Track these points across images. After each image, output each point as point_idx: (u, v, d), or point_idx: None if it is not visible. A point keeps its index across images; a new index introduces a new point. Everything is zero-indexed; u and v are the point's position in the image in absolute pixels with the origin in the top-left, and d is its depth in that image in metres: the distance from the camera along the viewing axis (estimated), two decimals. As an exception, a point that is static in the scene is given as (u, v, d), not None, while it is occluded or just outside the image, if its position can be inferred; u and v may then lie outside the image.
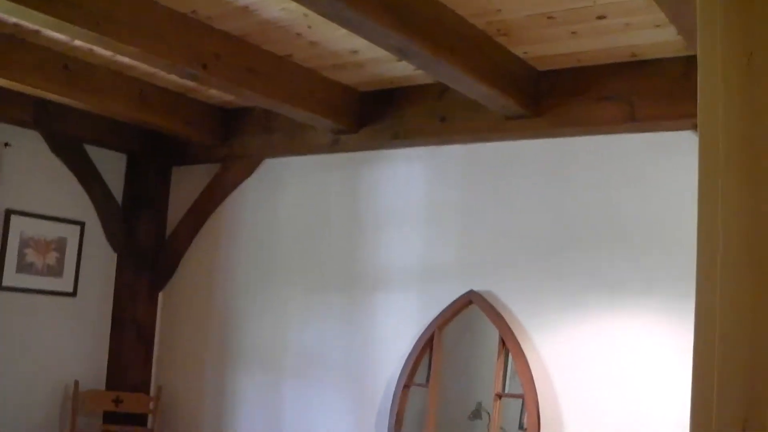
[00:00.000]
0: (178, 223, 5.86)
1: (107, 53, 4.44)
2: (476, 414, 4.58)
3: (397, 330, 4.78)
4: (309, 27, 3.94)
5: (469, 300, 4.55)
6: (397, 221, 4.88)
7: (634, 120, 3.98)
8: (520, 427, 4.38)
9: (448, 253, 4.68)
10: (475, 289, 4.52)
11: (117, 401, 5.61)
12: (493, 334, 4.44)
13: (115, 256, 5.91)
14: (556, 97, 4.20)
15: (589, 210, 4.25)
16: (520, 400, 4.34)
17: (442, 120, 4.56)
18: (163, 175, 5.99)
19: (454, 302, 4.59)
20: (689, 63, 3.78)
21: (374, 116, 4.80)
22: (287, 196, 5.37)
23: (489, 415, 4.44)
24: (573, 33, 3.76)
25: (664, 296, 3.93)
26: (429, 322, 4.65)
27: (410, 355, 4.68)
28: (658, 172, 4.08)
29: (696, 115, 1.31)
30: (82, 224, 5.71)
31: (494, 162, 4.61)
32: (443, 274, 4.67)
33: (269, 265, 5.39)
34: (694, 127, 3.76)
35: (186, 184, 5.89)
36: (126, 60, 4.48)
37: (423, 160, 4.86)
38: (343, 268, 5.03)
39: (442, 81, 4.14)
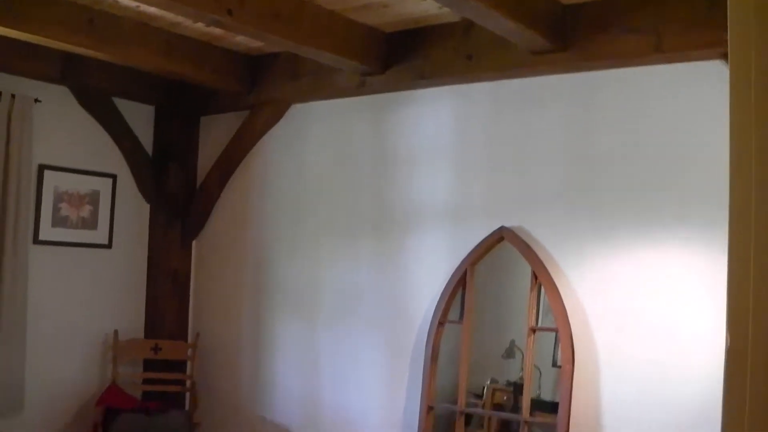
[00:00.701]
0: (208, 173, 5.90)
1: (132, 4, 4.45)
2: (510, 353, 4.63)
3: (429, 268, 4.81)
4: (332, -32, 3.92)
5: (501, 236, 4.57)
6: (425, 161, 4.88)
7: (660, 51, 3.94)
8: (554, 364, 4.42)
9: (478, 190, 4.68)
10: (506, 225, 4.53)
11: (156, 349, 5.72)
12: (526, 270, 4.46)
13: (147, 207, 5.98)
14: (581, 30, 4.16)
15: (618, 142, 4.23)
16: (554, 338, 4.38)
17: (468, 58, 4.54)
18: (191, 125, 6.03)
19: (486, 239, 4.60)
20: (715, -9, 3.73)
21: (400, 57, 4.79)
22: (316, 140, 5.39)
23: (522, 354, 4.48)
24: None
25: (696, 225, 3.93)
26: (461, 260, 4.67)
27: (443, 292, 4.72)
28: (687, 103, 4.05)
29: (724, 43, 1.30)
30: (114, 177, 5.77)
31: (521, 98, 4.59)
32: (474, 212, 4.68)
33: (300, 209, 5.43)
34: (723, 57, 3.72)
35: (214, 133, 5.92)
36: (151, 10, 4.48)
37: (450, 99, 4.85)
38: (374, 209, 5.06)
39: (467, 17, 4.11)
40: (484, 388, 4.77)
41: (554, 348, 4.41)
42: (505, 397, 4.72)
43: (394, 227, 4.97)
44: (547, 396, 4.45)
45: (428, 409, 4.68)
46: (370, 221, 5.08)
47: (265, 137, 5.65)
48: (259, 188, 5.67)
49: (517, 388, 4.52)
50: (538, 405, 4.45)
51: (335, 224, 5.25)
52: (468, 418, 4.78)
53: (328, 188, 5.31)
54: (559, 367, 4.34)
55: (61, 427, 5.50)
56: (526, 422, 4.34)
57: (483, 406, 4.69)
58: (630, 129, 4.19)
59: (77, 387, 5.56)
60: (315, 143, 5.39)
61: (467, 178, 4.74)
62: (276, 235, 5.55)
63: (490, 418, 4.71)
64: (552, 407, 4.32)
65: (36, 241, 5.36)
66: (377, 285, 5.02)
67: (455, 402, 4.62)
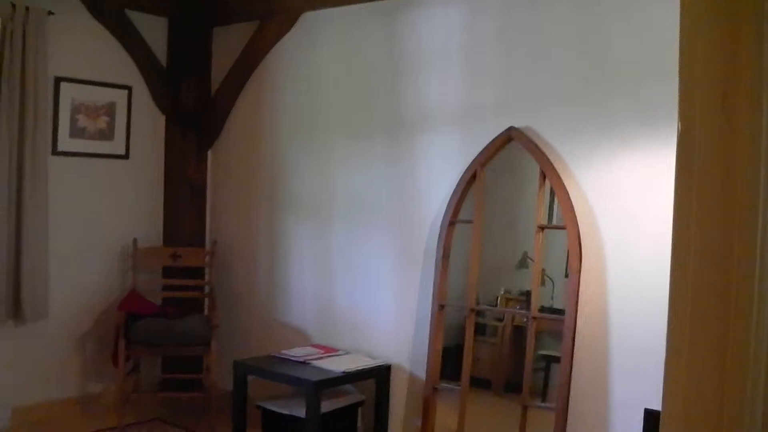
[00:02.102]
0: (221, 83, 5.97)
1: None
2: (522, 263, 4.70)
3: (440, 170, 4.87)
4: None
5: (509, 136, 4.60)
6: (435, 63, 4.90)
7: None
8: (567, 275, 4.48)
9: (487, 91, 4.70)
10: (515, 125, 4.57)
11: (174, 256, 5.86)
12: (535, 170, 4.50)
13: (163, 118, 6.07)
14: None
15: (625, 39, 4.21)
16: (566, 250, 4.41)
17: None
18: (204, 36, 6.07)
19: (495, 139, 4.64)
20: None
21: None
22: (326, 48, 5.42)
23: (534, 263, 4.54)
24: None
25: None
26: (471, 161, 4.72)
27: (454, 193, 4.77)
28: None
29: None
30: (129, 88, 5.85)
31: (528, -3, 4.58)
32: (483, 112, 4.71)
33: (312, 116, 5.49)
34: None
35: (227, 44, 5.97)
36: None
37: (460, 0, 4.85)
38: (385, 114, 5.10)
39: None
40: (497, 297, 4.87)
41: (567, 259, 4.47)
42: (518, 306, 4.83)
43: (405, 130, 5.02)
44: (559, 305, 4.52)
45: (440, 308, 4.79)
46: (381, 125, 5.13)
47: (277, 46, 5.69)
48: (272, 97, 5.73)
49: (530, 297, 4.60)
50: (551, 313, 4.54)
51: (347, 129, 5.31)
52: (482, 329, 4.90)
53: (339, 94, 5.36)
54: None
55: (84, 331, 5.69)
56: (534, 318, 4.43)
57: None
58: (637, 26, 4.17)
59: (99, 294, 5.73)
60: (326, 50, 5.43)
61: (476, 79, 4.76)
62: (289, 143, 5.62)
63: (504, 328, 4.82)
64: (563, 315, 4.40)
65: (54, 152, 5.47)
66: (389, 187, 5.09)
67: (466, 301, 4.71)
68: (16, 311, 5.24)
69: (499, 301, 4.86)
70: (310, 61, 5.50)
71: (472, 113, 4.76)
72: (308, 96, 5.52)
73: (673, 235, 1.29)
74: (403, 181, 5.03)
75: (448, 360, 4.75)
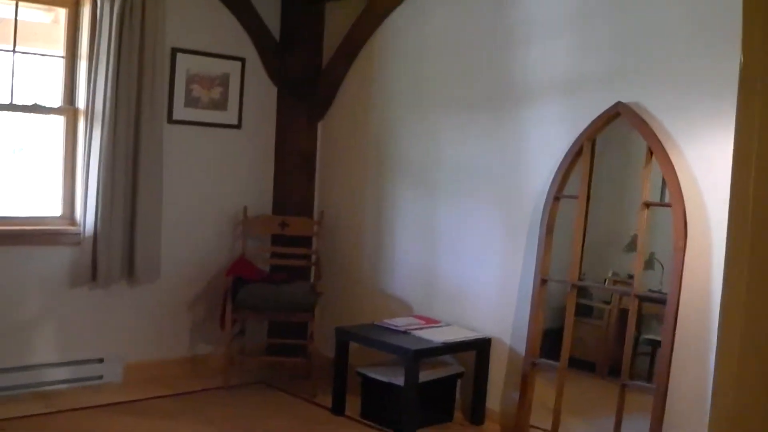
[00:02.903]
0: (332, 56, 6.05)
1: None
2: (630, 246, 4.62)
3: (546, 143, 4.83)
4: None
5: (617, 111, 4.54)
6: (544, 35, 4.85)
7: None
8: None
9: (596, 63, 4.64)
10: (623, 100, 4.50)
11: (283, 225, 5.99)
12: (642, 146, 4.43)
13: (275, 89, 6.20)
14: None
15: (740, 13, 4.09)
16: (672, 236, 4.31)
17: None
18: (316, 9, 6.16)
19: (602, 114, 4.58)
20: None
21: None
22: (435, 20, 5.43)
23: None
24: None
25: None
26: (578, 135, 4.68)
27: (559, 167, 4.73)
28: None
29: None
30: (242, 60, 5.99)
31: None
32: (590, 86, 4.65)
33: (420, 88, 5.52)
34: None
35: (338, 18, 6.05)
36: None
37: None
38: (492, 85, 5.09)
39: None
40: (605, 280, 4.82)
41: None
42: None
43: (512, 102, 4.99)
44: (668, 290, 4.43)
45: (542, 282, 4.78)
46: (488, 97, 5.12)
47: (387, 20, 5.72)
48: (382, 69, 5.78)
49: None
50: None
51: (454, 101, 5.32)
52: (588, 311, 4.86)
53: (447, 66, 5.37)
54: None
55: (194, 295, 5.90)
56: (635, 297, 4.37)
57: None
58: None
59: (209, 259, 5.93)
60: (435, 23, 5.44)
61: (585, 51, 4.70)
62: (397, 114, 5.67)
63: (610, 311, 4.77)
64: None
65: (170, 120, 5.67)
66: (494, 159, 5.08)
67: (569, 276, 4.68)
68: (130, 272, 5.46)
69: (606, 283, 4.81)
70: (419, 33, 5.52)
71: (580, 86, 4.71)
72: (416, 68, 5.55)
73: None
74: (509, 154, 5.01)
75: (554, 341, 4.71)
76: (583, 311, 4.91)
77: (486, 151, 5.13)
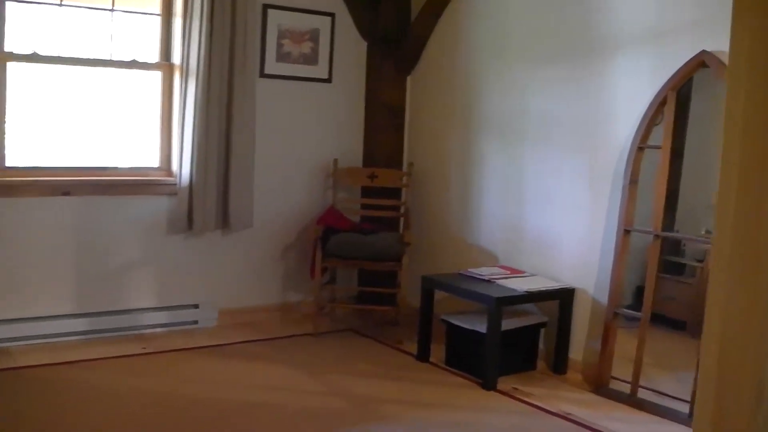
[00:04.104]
0: (421, 9, 6.09)
1: None
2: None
3: (630, 93, 4.79)
4: None
5: (702, 61, 4.47)
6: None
7: None
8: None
9: (680, 11, 4.56)
10: (708, 48, 4.42)
11: (372, 177, 6.10)
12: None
13: (364, 44, 6.29)
14: None
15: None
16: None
17: None
18: (405, -38, 6.21)
19: (686, 63, 4.51)
20: None
21: None
22: (521, -29, 5.43)
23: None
24: None
25: None
26: (662, 85, 4.62)
27: (643, 117, 4.70)
28: None
29: None
30: (332, 15, 6.10)
31: None
32: (675, 34, 4.58)
33: (506, 40, 5.52)
34: None
35: (427, -30, 6.08)
36: None
37: None
38: (576, 36, 5.06)
39: None
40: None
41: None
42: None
43: (596, 53, 4.96)
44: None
45: (625, 233, 4.77)
46: (572, 49, 5.10)
47: (475, -28, 5.75)
48: (469, 22, 5.80)
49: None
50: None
51: (539, 53, 5.31)
52: (680, 268, 4.82)
53: (532, 18, 5.35)
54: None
55: (286, 244, 6.09)
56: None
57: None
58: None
59: (300, 209, 6.10)
60: (521, -26, 5.43)
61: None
62: (484, 67, 5.69)
63: (703, 269, 4.73)
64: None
65: (262, 74, 5.82)
66: (579, 111, 5.06)
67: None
68: (225, 222, 5.66)
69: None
70: (506, -15, 5.52)
71: (664, 35, 4.64)
72: (502, 20, 5.55)
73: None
74: (593, 104, 4.99)
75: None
76: (676, 269, 4.89)
77: (570, 101, 5.12)
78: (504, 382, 4.86)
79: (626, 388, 4.65)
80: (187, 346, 5.29)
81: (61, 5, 5.18)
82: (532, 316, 5.21)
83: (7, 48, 5.01)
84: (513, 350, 5.03)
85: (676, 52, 4.52)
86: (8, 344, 5.04)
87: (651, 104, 4.67)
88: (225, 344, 5.38)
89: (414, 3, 6.19)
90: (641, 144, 4.73)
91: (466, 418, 4.36)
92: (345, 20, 6.17)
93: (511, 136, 5.51)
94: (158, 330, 5.54)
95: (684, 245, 4.98)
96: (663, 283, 4.74)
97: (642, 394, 4.59)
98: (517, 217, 5.47)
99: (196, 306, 5.70)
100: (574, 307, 5.08)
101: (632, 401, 4.59)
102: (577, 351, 5.08)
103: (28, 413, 4.07)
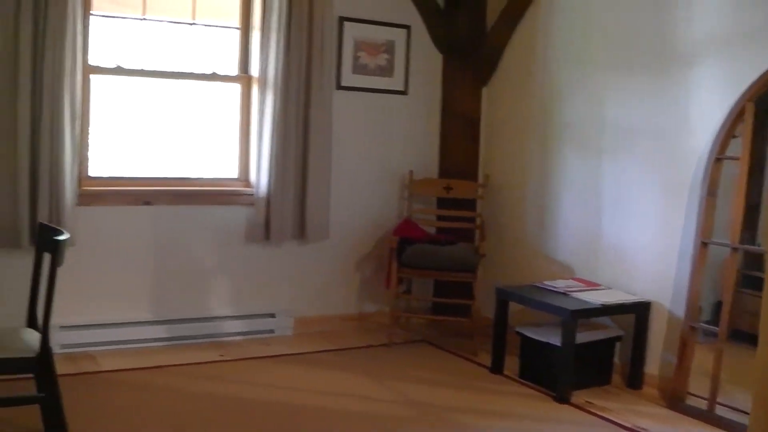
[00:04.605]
0: (496, 20, 6.09)
1: None
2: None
3: (707, 103, 4.71)
4: None
5: (781, 70, 4.39)
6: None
7: None
8: None
9: (757, 21, 4.49)
10: (788, 57, 4.34)
11: (447, 188, 6.12)
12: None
13: (440, 56, 6.31)
14: None
15: None
16: None
17: None
18: (479, -28, 6.22)
19: (764, 74, 4.43)
20: None
21: None
22: (599, -20, 5.39)
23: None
24: None
25: None
26: (740, 95, 4.55)
27: (721, 128, 4.63)
28: None
29: None
30: (408, 27, 6.14)
31: None
32: (752, 45, 4.50)
33: (584, 50, 5.48)
34: None
35: (502, -19, 6.09)
36: None
37: None
38: (655, 46, 4.99)
39: None
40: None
41: None
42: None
43: (674, 63, 4.89)
44: None
45: (702, 245, 4.69)
46: (651, 58, 5.02)
47: (552, -19, 5.73)
48: (546, 32, 5.78)
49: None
50: None
51: (616, 62, 5.26)
52: (760, 283, 4.72)
53: (610, 27, 5.30)
54: None
55: (362, 255, 6.15)
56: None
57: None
58: None
59: (376, 220, 6.16)
60: (598, -16, 5.40)
61: (747, 9, 4.55)
62: (561, 77, 5.66)
63: None
64: None
65: (338, 86, 5.90)
66: (657, 121, 4.99)
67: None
68: (301, 232, 5.74)
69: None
70: (583, -5, 5.49)
71: (742, 45, 4.56)
72: (579, 30, 5.52)
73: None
74: (671, 114, 4.92)
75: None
76: (756, 284, 4.78)
77: (648, 112, 5.05)
78: (578, 396, 4.81)
79: (703, 405, 4.57)
80: (263, 354, 5.37)
81: (143, 19, 5.34)
82: (608, 329, 5.16)
83: (92, 61, 5.18)
84: (587, 364, 4.98)
85: (754, 63, 4.45)
86: (92, 349, 5.20)
87: (729, 115, 4.60)
88: (300, 353, 5.45)
89: (489, 13, 6.19)
90: (719, 155, 4.65)
91: (538, 429, 4.34)
92: (420, 32, 6.21)
93: (588, 146, 5.46)
94: (235, 338, 5.64)
95: (765, 259, 4.87)
96: (743, 298, 4.64)
97: (719, 410, 4.50)
98: (594, 229, 5.41)
99: (272, 315, 5.78)
100: (651, 321, 5.01)
101: (709, 418, 4.50)
102: (653, 365, 5.01)
103: (109, 415, 4.20)
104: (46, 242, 3.66)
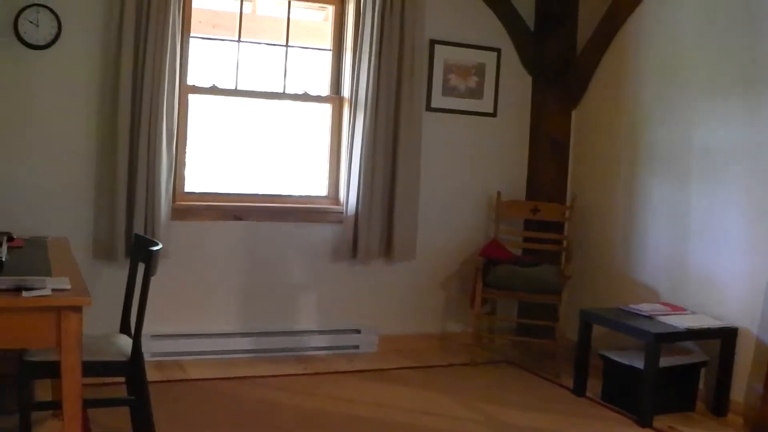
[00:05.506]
0: (586, 43, 6.11)
1: None
2: None
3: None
4: None
5: None
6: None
7: None
8: None
9: None
10: None
11: (534, 210, 6.14)
12: None
13: (529, 78, 6.36)
14: None
15: None
16: None
17: None
18: (569, -3, 6.26)
19: None
20: None
21: None
22: (689, 2, 5.33)
23: None
24: None
25: None
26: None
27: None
28: None
29: None
30: (498, 50, 6.21)
31: None
32: None
33: (674, 73, 5.43)
34: None
35: (593, 3, 6.07)
36: None
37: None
38: (746, 68, 4.93)
39: None
40: None
41: None
42: None
43: (765, 86, 4.84)
44: None
45: (793, 274, 4.62)
46: (741, 80, 4.96)
47: (642, 4, 5.70)
48: (636, 55, 5.76)
49: None
50: None
51: (707, 85, 5.19)
52: None
53: (701, 51, 5.24)
54: None
55: (448, 275, 6.21)
56: None
57: None
58: None
59: (463, 240, 6.21)
60: (689, 6, 5.34)
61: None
62: (651, 100, 5.62)
63: None
64: None
65: (428, 108, 6.00)
66: (747, 144, 4.90)
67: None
68: (388, 251, 5.84)
69: None
70: (673, 17, 5.45)
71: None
72: (670, 53, 5.48)
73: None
74: (762, 138, 4.85)
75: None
76: None
77: (737, 136, 4.98)
78: (660, 421, 4.76)
79: (790, 433, 4.48)
80: (347, 369, 5.46)
81: (239, 41, 5.53)
82: (693, 354, 5.10)
83: (189, 81, 5.39)
84: (671, 389, 4.93)
85: None
86: (181, 358, 5.38)
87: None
88: (384, 369, 5.53)
89: (580, 35, 6.21)
90: (812, 180, 4.58)
91: (618, 453, 4.32)
92: (510, 55, 6.27)
93: (676, 169, 5.41)
94: (320, 353, 5.76)
95: None
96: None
97: (807, 440, 4.41)
98: (681, 253, 5.35)
99: (357, 331, 5.88)
100: (737, 347, 4.92)
101: (795, 447, 4.41)
102: (738, 393, 4.91)
103: (194, 421, 4.35)
104: (140, 252, 3.83)
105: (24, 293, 2.92)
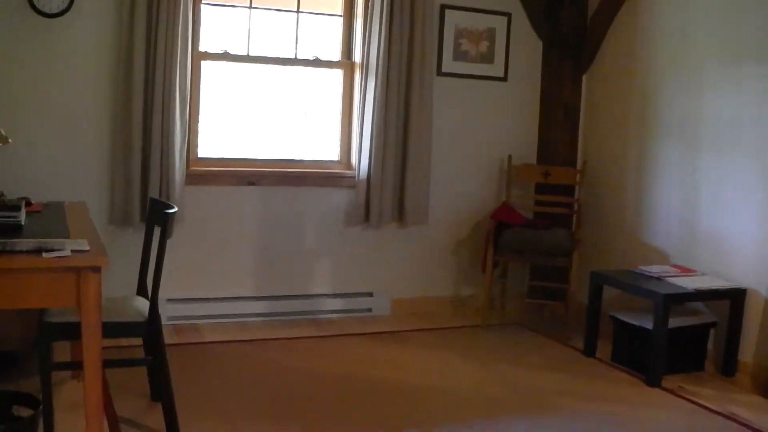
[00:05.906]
0: (596, 9, 6.11)
1: None
2: None
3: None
4: None
5: None
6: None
7: None
8: None
9: None
10: None
11: (546, 174, 6.17)
12: None
13: (540, 43, 6.36)
14: None
15: None
16: None
17: None
18: (582, -39, 6.25)
19: None
20: None
21: None
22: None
23: None
24: None
25: None
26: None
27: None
28: None
29: None
30: (508, 15, 6.21)
31: None
32: None
33: (684, 39, 5.44)
34: None
35: (604, -32, 6.08)
36: None
37: None
38: (760, 36, 4.94)
39: None
40: None
41: None
42: None
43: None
44: None
45: (801, 233, 4.65)
46: (755, 48, 4.97)
47: (654, -31, 5.71)
48: (646, 21, 5.76)
49: None
50: None
51: (719, 53, 5.19)
52: None
53: (713, 16, 5.24)
54: None
55: (460, 238, 6.27)
56: None
57: None
58: None
59: (474, 204, 6.26)
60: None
61: None
62: (661, 67, 5.63)
63: None
64: None
65: (439, 73, 6.02)
66: (758, 113, 4.93)
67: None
68: (400, 215, 5.89)
69: None
70: (684, -18, 5.46)
71: None
72: (681, 18, 5.48)
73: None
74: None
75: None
76: None
77: (752, 103, 4.98)
78: (669, 381, 4.83)
79: (797, 392, 4.54)
80: (360, 332, 5.54)
81: (250, 7, 5.56)
82: (702, 315, 5.15)
83: (201, 47, 5.43)
84: (680, 349, 4.98)
85: None
86: (197, 321, 5.48)
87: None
88: (397, 331, 5.60)
89: (591, 1, 6.21)
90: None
91: (627, 411, 4.37)
92: (521, 19, 6.27)
93: (688, 135, 5.42)
94: (334, 316, 5.84)
95: None
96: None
97: (814, 398, 4.47)
98: (692, 217, 5.39)
99: (370, 294, 5.96)
100: (746, 308, 4.97)
101: (803, 405, 4.47)
102: (747, 353, 4.97)
103: (211, 382, 4.44)
104: (156, 215, 3.89)
105: (44, 254, 2.99)
